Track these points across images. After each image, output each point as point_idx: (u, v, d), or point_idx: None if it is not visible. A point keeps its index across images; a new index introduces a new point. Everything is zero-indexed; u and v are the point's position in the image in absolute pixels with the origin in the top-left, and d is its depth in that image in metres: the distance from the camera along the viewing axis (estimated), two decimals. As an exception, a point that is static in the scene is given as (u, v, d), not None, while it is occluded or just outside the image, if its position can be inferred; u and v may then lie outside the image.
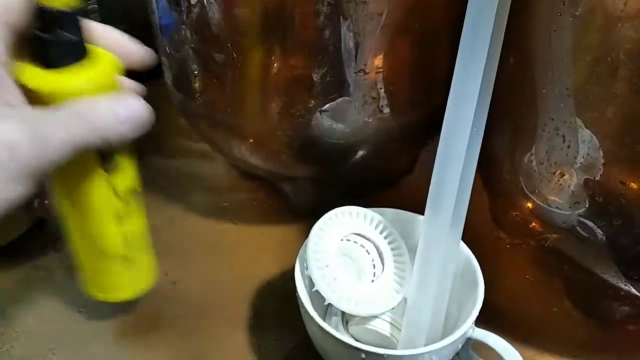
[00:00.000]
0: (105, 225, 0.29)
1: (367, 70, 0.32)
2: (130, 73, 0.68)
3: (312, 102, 0.33)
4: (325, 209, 0.32)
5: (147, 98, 0.26)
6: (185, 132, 0.51)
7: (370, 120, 0.34)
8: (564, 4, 0.25)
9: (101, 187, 0.28)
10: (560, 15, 0.25)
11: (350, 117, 0.34)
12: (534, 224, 0.33)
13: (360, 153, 0.36)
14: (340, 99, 0.33)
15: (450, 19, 0.32)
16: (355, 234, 0.31)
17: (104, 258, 0.30)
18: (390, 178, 0.46)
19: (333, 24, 0.30)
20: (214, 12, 0.31)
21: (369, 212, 0.32)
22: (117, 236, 0.30)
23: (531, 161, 0.29)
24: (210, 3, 0.31)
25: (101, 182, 0.28)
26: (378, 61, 0.32)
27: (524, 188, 0.31)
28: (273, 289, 0.38)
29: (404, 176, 0.46)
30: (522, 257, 0.40)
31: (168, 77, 0.39)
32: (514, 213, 0.34)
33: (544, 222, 0.31)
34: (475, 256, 0.31)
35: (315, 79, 0.32)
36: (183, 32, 0.34)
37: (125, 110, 0.24)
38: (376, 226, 0.32)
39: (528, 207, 0.32)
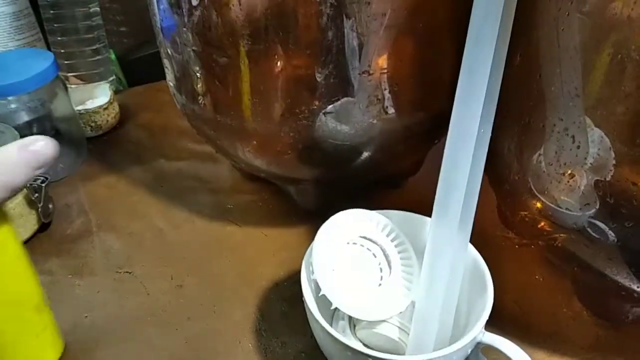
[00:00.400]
0: (25, 271, 0.29)
1: (371, 72, 0.31)
2: (131, 76, 0.68)
3: (316, 103, 0.33)
4: (330, 210, 0.31)
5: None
6: (188, 134, 0.51)
7: (375, 121, 0.33)
8: (572, 3, 0.25)
9: (11, 232, 0.28)
10: (568, 15, 0.25)
11: (354, 119, 0.33)
12: (542, 223, 0.32)
13: (365, 155, 0.36)
14: (344, 100, 0.32)
15: (454, 18, 0.32)
16: (362, 237, 0.31)
17: (31, 313, 0.30)
18: (395, 179, 0.46)
19: (336, 25, 0.29)
20: (216, 14, 0.31)
21: (375, 215, 0.31)
22: (35, 281, 0.30)
23: (540, 162, 0.29)
24: (212, 5, 0.31)
25: (11, 227, 0.28)
26: (382, 62, 0.31)
27: (533, 189, 0.30)
28: (280, 291, 0.37)
29: (409, 177, 0.46)
30: (531, 258, 0.39)
31: (170, 79, 0.39)
32: (522, 213, 0.33)
33: (554, 222, 0.31)
34: (483, 256, 0.30)
35: (319, 80, 0.31)
36: (184, 34, 0.33)
37: (33, 155, 0.24)
38: (382, 229, 0.31)
39: (537, 207, 0.31)
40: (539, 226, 0.32)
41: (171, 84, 0.40)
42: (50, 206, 0.43)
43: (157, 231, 0.43)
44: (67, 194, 0.47)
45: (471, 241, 0.29)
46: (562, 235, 0.31)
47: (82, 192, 0.48)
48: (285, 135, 0.35)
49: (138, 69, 0.64)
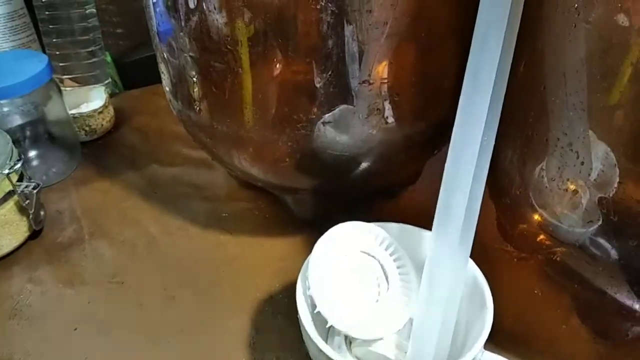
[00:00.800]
0: None
1: (371, 81, 0.31)
2: (126, 79, 0.67)
3: (315, 111, 0.32)
4: (328, 220, 0.31)
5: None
6: (184, 140, 0.50)
7: (375, 131, 0.33)
8: (578, 14, 0.24)
9: None
10: (574, 26, 0.24)
11: (354, 129, 0.33)
12: (542, 237, 0.31)
13: (364, 165, 0.35)
14: (344, 108, 0.32)
15: (457, 25, 0.31)
16: (359, 251, 0.30)
17: None
18: (393, 188, 0.45)
19: (337, 33, 0.29)
20: (214, 19, 0.30)
21: (373, 228, 0.31)
22: None
23: (542, 176, 0.28)
24: (210, 9, 0.30)
25: None
26: (383, 71, 0.31)
27: (534, 203, 0.30)
28: (274, 304, 0.37)
29: (407, 186, 0.45)
30: (530, 272, 0.38)
31: (166, 84, 0.38)
32: (522, 226, 0.33)
33: (554, 237, 0.30)
34: (482, 269, 0.30)
35: (318, 87, 0.31)
36: (181, 39, 0.33)
37: None
38: (381, 242, 0.30)
39: (538, 221, 0.31)
40: (538, 239, 0.32)
41: (167, 89, 0.39)
42: (42, 213, 0.43)
43: (150, 239, 0.43)
44: (59, 199, 0.47)
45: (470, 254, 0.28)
46: (562, 249, 0.31)
47: (75, 198, 0.47)
48: (282, 144, 0.34)
49: (134, 71, 0.63)
